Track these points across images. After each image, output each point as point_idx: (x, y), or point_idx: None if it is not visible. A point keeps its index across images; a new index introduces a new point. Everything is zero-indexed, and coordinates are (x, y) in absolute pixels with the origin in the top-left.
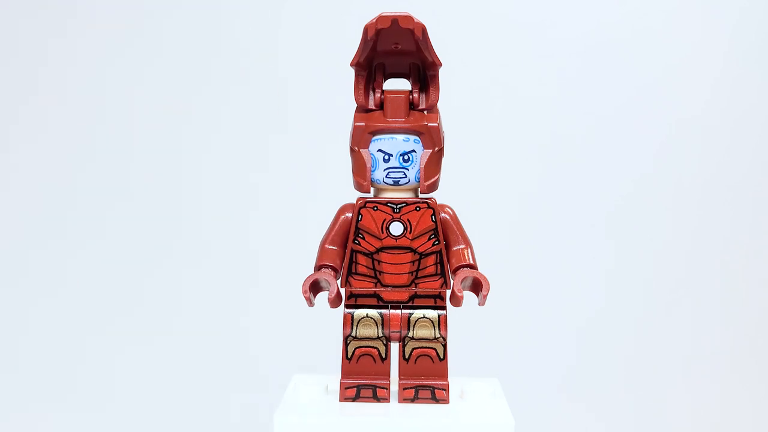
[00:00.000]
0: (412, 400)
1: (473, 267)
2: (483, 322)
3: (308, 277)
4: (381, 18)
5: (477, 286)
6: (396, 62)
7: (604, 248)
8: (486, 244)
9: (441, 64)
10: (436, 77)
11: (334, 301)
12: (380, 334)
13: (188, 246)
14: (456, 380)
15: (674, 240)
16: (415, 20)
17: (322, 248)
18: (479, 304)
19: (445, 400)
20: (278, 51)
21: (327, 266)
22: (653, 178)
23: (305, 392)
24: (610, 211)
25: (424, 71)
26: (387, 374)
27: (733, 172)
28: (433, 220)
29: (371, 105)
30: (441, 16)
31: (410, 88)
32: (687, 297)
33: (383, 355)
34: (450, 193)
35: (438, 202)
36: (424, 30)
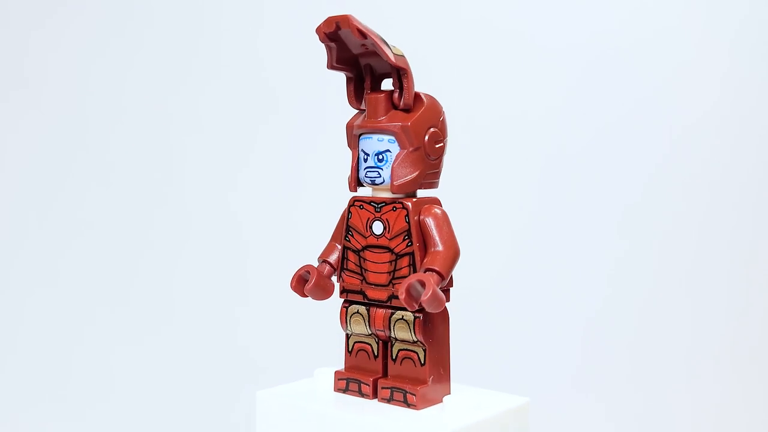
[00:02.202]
0: (388, 401)
1: (436, 271)
2: (484, 323)
3: (294, 273)
4: (326, 21)
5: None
6: (379, 63)
7: (606, 249)
8: (490, 245)
9: (395, 64)
10: (406, 76)
11: (312, 291)
12: (369, 331)
13: (193, 243)
14: (470, 390)
15: (677, 241)
16: (352, 21)
17: (327, 243)
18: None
19: (415, 406)
20: (276, 51)
21: (325, 261)
22: (658, 181)
23: (314, 382)
24: (614, 212)
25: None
26: (378, 372)
27: (735, 175)
28: (406, 221)
29: (363, 106)
30: (448, 23)
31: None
32: (688, 297)
33: (375, 353)
34: (456, 194)
35: (432, 203)
36: (361, 31)
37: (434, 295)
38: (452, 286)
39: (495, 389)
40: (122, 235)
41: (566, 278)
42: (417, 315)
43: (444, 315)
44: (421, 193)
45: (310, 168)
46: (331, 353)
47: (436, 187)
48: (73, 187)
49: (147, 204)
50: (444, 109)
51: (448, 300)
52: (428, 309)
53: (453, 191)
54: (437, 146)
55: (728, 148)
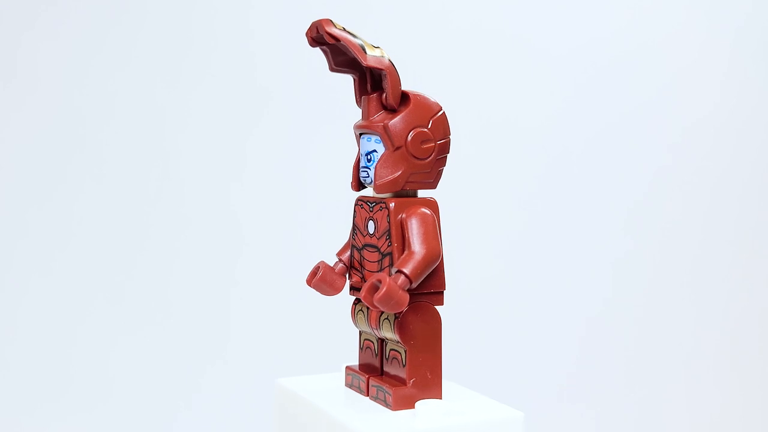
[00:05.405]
0: (375, 399)
1: (403, 272)
2: (482, 324)
3: (310, 272)
4: (311, 26)
5: None
6: None
7: (608, 250)
8: (491, 247)
9: (369, 66)
10: (386, 77)
11: (317, 285)
12: (370, 329)
13: (194, 240)
14: (463, 396)
15: (677, 243)
16: (324, 26)
17: (346, 241)
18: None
19: (390, 407)
20: (275, 50)
21: (340, 259)
22: (658, 182)
23: (338, 376)
24: (615, 214)
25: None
26: (378, 370)
27: (736, 177)
28: (387, 221)
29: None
30: (452, 27)
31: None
32: (689, 299)
33: (376, 351)
34: (457, 195)
35: (420, 203)
36: (332, 35)
37: (387, 295)
38: (444, 288)
39: (494, 395)
40: (119, 232)
41: (567, 278)
42: (397, 314)
43: (429, 316)
44: (422, 193)
45: (310, 168)
46: None
47: (434, 187)
48: (69, 186)
49: (144, 202)
50: (442, 109)
51: (441, 304)
52: (382, 309)
53: (454, 192)
54: (424, 146)
55: (729, 149)
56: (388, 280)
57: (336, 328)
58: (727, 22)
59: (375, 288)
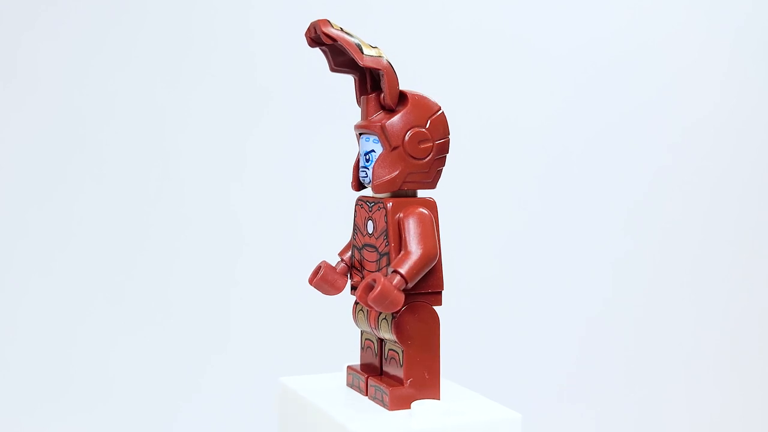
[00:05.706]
0: (373, 399)
1: (399, 273)
2: (482, 324)
3: (312, 272)
4: (309, 26)
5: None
6: None
7: (608, 250)
8: (488, 245)
9: (365, 65)
10: (383, 77)
11: (318, 284)
12: (371, 329)
13: (198, 238)
14: (461, 396)
15: (676, 242)
16: (320, 26)
17: (348, 241)
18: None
19: (387, 406)
20: (275, 49)
21: (341, 258)
22: (657, 182)
23: (340, 375)
24: (613, 213)
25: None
26: (376, 369)
27: (734, 177)
28: (385, 221)
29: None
30: (452, 27)
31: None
32: (687, 299)
33: (376, 351)
34: (458, 195)
35: (418, 203)
36: (328, 35)
37: (381, 294)
38: (443, 288)
39: (494, 395)
40: (119, 232)
41: (566, 278)
42: (394, 314)
43: (427, 316)
44: (421, 193)
45: (310, 168)
46: None
47: (433, 187)
48: (69, 186)
49: (144, 202)
50: (441, 109)
51: (439, 304)
52: (377, 308)
53: (453, 192)
54: (422, 146)
55: (729, 149)
56: (382, 279)
57: (339, 327)
58: (727, 22)
59: (370, 287)
